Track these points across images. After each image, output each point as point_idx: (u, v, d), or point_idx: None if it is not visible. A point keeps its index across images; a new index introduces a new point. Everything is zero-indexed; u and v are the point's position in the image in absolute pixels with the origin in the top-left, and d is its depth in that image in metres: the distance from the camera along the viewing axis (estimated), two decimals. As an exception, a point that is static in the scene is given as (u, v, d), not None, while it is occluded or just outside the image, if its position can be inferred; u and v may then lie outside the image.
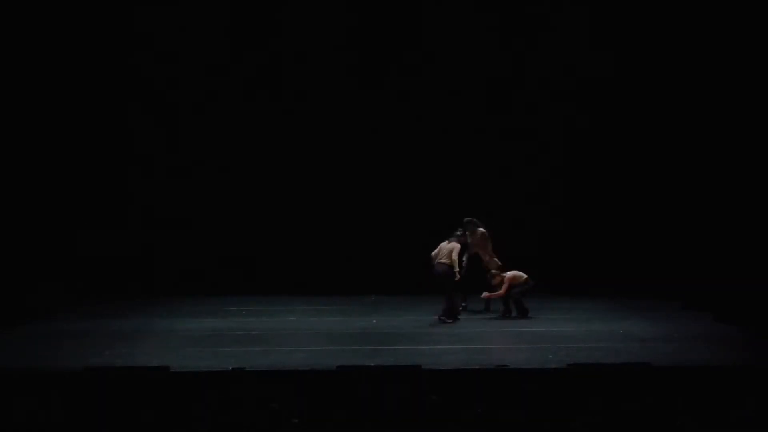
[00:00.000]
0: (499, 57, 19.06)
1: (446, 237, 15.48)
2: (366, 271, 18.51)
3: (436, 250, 15.35)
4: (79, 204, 18.48)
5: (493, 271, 15.68)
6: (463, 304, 16.22)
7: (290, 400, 9.66)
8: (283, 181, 19.20)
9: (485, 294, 15.66)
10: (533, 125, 19.08)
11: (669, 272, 17.66)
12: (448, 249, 15.24)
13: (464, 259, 15.78)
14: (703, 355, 12.38)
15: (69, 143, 18.31)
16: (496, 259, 15.91)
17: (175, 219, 19.13)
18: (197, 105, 19.04)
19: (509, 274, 15.57)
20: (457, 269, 15.15)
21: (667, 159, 18.28)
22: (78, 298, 17.68)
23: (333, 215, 19.10)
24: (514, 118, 19.09)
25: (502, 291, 15.49)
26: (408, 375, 10.21)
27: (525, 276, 15.59)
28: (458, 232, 15.60)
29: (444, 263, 15.13)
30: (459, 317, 15.51)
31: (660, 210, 18.50)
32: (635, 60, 18.61)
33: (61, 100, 18.10)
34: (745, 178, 16.64)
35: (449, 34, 19.00)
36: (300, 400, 9.70)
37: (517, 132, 19.11)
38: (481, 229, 16.14)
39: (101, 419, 9.33)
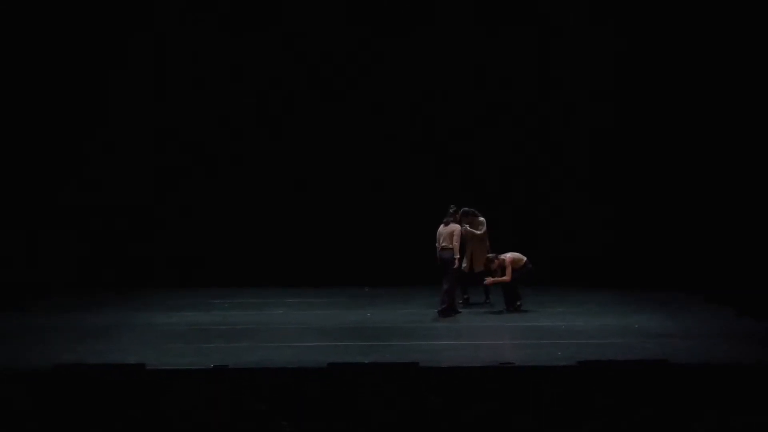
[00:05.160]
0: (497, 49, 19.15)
1: (439, 221, 15.47)
2: (359, 261, 18.53)
3: (437, 237, 15.37)
4: (53, 187, 18.64)
5: (490, 255, 15.67)
6: (465, 296, 16.24)
7: (278, 401, 9.68)
8: (271, 167, 19.22)
9: (488, 280, 15.61)
10: (539, 113, 19.14)
11: (689, 262, 17.69)
12: (449, 232, 15.25)
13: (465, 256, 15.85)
14: (725, 352, 12.40)
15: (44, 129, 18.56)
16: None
17: (156, 208, 19.15)
18: (186, 95, 19.09)
19: (508, 256, 15.51)
20: (458, 256, 15.18)
21: (687, 150, 18.37)
22: (48, 289, 17.74)
23: (323, 201, 19.10)
24: (516, 108, 19.12)
25: (507, 276, 15.44)
26: (405, 373, 10.23)
27: (525, 258, 15.59)
28: (451, 209, 15.56)
29: (449, 248, 15.15)
30: (460, 311, 15.53)
31: (679, 195, 18.53)
32: (650, 64, 18.75)
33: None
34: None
35: (448, 24, 19.07)
36: (288, 400, 9.72)
37: (521, 119, 19.14)
38: (481, 218, 16.13)
39: (72, 421, 9.34)
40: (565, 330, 14.06)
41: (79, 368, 10.55)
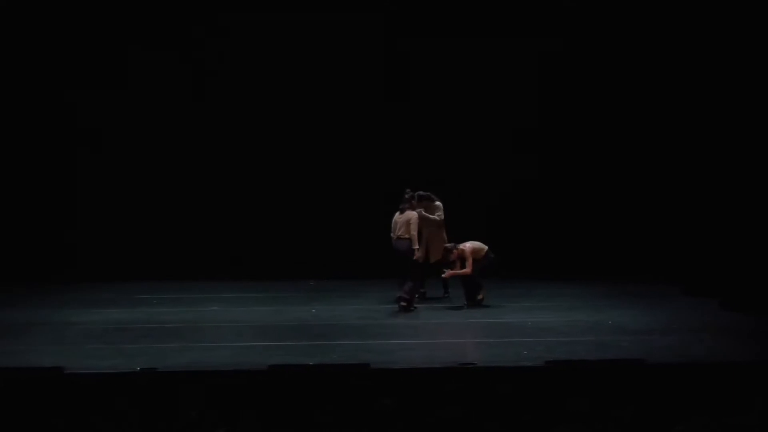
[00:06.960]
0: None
1: (394, 208, 15.52)
2: (304, 252, 18.58)
3: (392, 225, 15.39)
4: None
5: (448, 244, 15.71)
6: (422, 290, 16.27)
7: (213, 406, 9.65)
8: (207, 150, 19.15)
9: (446, 272, 15.65)
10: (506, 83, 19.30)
11: (667, 251, 17.87)
12: (404, 220, 15.27)
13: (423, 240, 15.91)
14: (706, 349, 12.52)
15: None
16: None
17: (76, 193, 19.06)
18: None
19: (468, 245, 15.56)
20: (417, 246, 15.21)
21: (669, 126, 18.57)
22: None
23: (263, 186, 19.08)
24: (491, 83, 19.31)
25: (468, 268, 15.47)
26: (355, 375, 10.25)
27: (486, 248, 15.64)
28: (407, 195, 15.59)
29: (405, 238, 15.17)
30: (416, 306, 15.57)
31: (657, 180, 18.70)
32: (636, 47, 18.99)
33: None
34: (757, 149, 17.01)
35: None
36: (225, 406, 9.69)
37: (488, 90, 19.27)
38: (437, 203, 16.16)
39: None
40: (532, 326, 14.13)
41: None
